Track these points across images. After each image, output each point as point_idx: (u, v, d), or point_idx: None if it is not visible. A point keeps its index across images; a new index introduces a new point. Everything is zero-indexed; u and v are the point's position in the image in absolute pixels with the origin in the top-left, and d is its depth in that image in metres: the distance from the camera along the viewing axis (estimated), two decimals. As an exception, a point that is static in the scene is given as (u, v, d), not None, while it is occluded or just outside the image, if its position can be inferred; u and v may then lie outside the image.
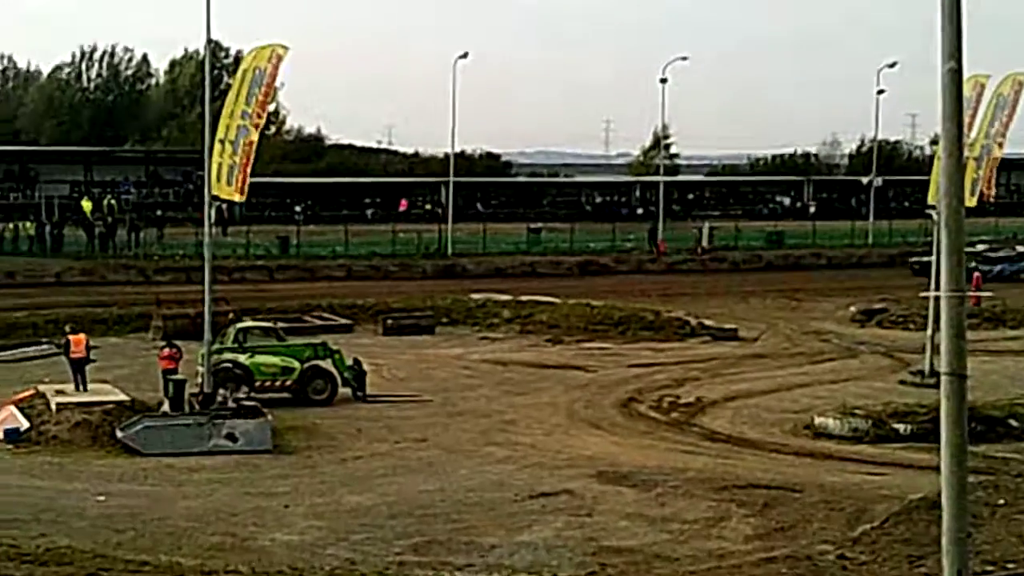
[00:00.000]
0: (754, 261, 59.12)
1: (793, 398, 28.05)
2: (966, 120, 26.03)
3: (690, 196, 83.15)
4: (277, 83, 27.23)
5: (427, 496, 18.93)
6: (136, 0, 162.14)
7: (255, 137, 24.84)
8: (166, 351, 27.17)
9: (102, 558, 14.94)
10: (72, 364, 26.14)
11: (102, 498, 18.59)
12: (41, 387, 25.68)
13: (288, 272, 50.75)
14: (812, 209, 77.89)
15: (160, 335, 33.07)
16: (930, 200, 28.88)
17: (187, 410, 24.06)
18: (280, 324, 32.10)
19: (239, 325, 29.03)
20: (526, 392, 28.85)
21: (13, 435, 22.88)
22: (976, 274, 42.25)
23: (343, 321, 38.22)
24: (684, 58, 63.24)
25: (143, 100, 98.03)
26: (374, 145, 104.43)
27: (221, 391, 24.96)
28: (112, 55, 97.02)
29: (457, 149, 64.58)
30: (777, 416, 26.01)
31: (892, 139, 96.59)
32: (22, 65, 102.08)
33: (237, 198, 25.77)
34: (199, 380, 25.67)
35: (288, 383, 27.55)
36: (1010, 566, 13.63)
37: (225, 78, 67.51)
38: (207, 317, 25.39)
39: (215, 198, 25.50)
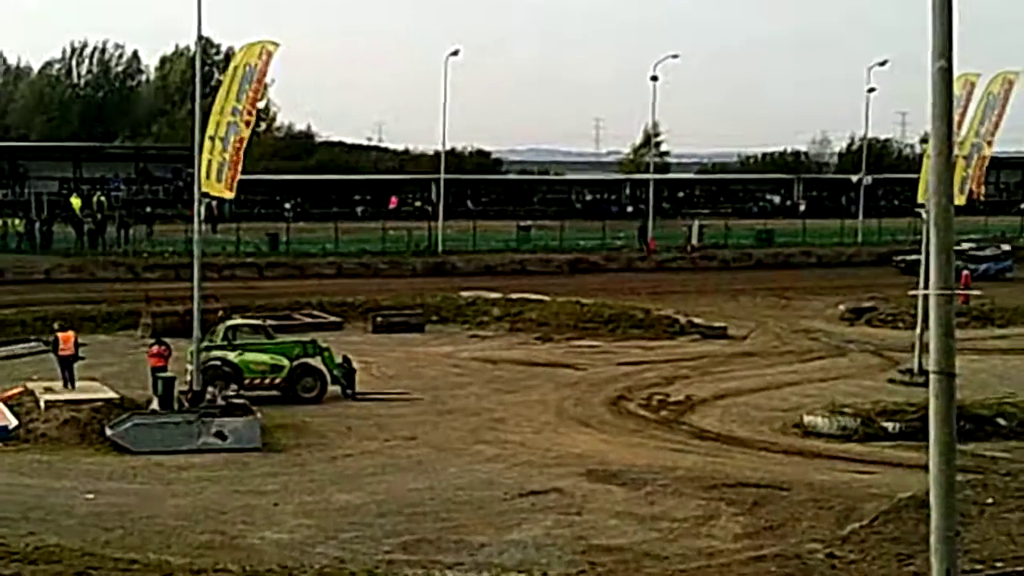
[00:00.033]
0: (744, 259, 59.21)
1: (782, 396, 28.10)
2: (956, 119, 26.15)
3: (680, 194, 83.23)
4: (267, 80, 27.24)
5: (417, 494, 18.91)
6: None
7: (245, 134, 24.82)
8: (155, 348, 27.12)
9: (91, 556, 14.87)
10: (60, 361, 26.09)
11: (91, 496, 18.54)
12: (30, 384, 25.62)
13: (278, 269, 50.67)
14: (802, 207, 78.05)
15: (149, 332, 33.00)
16: (920, 199, 28.91)
17: (176, 408, 24.02)
18: (269, 322, 32.06)
19: (228, 323, 29.00)
20: (516, 390, 28.85)
21: (1, 433, 22.81)
22: (965, 273, 42.36)
23: (333, 319, 38.18)
24: (675, 56, 63.23)
25: (133, 97, 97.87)
26: (364, 142, 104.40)
27: (210, 389, 24.94)
28: (103, 51, 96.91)
29: (447, 146, 64.55)
30: (766, 414, 26.05)
31: (882, 137, 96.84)
32: (12, 61, 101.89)
33: (227, 195, 25.76)
34: (188, 378, 25.64)
35: (277, 381, 27.52)
36: (999, 565, 13.66)
37: (216, 75, 67.32)
38: (196, 314, 25.35)
39: (205, 195, 25.47)
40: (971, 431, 21.96)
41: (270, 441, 23.07)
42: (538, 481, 19.76)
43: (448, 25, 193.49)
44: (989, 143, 31.68)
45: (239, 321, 29.86)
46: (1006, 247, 54.38)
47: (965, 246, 50.15)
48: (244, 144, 24.83)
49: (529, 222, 63.11)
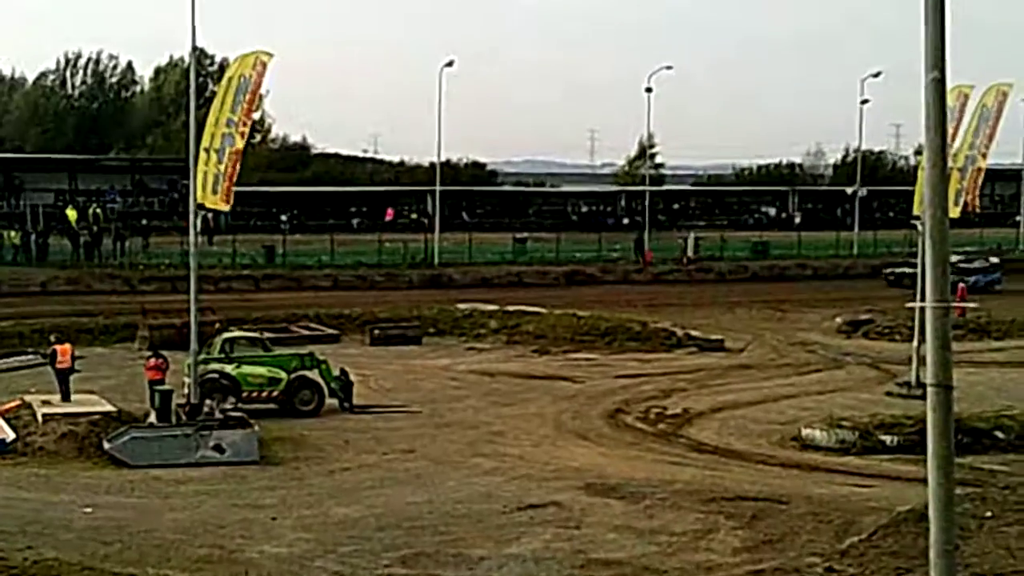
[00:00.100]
0: (740, 271, 59.29)
1: (780, 409, 28.08)
2: (950, 130, 26.21)
3: (675, 206, 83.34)
4: (262, 91, 27.28)
5: (415, 508, 18.89)
6: (121, 7, 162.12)
7: (240, 145, 24.84)
8: (152, 361, 27.09)
9: (89, 570, 14.85)
10: (58, 374, 26.06)
11: (89, 510, 18.50)
12: (27, 398, 25.57)
13: (274, 282, 50.66)
14: (797, 219, 78.21)
15: (146, 345, 32.96)
16: (915, 211, 29.01)
17: (174, 421, 23.97)
18: (267, 334, 32.07)
19: (225, 335, 28.95)
20: (513, 403, 28.84)
21: (-1, 446, 22.78)
22: (961, 285, 42.42)
23: (330, 331, 38.17)
24: (669, 67, 63.44)
25: (128, 108, 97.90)
26: (360, 154, 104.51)
27: (208, 402, 24.91)
28: (97, 62, 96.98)
29: (443, 158, 64.69)
30: (764, 427, 26.04)
31: (876, 149, 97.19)
32: (6, 72, 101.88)
33: (223, 207, 25.78)
34: (185, 391, 25.61)
35: (275, 394, 27.48)
36: (997, 578, 13.68)
37: (210, 86, 67.61)
38: (193, 327, 25.34)
39: (201, 207, 25.45)
40: (969, 444, 21.92)
41: (268, 454, 23.03)
42: (536, 494, 19.73)
43: (443, 36, 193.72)
44: (984, 155, 31.74)
45: (236, 334, 29.82)
46: (995, 260, 54.44)
47: (954, 259, 50.19)
48: (239, 155, 24.85)
49: (525, 234, 63.20)
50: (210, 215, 40.73)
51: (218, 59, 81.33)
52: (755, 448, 24.20)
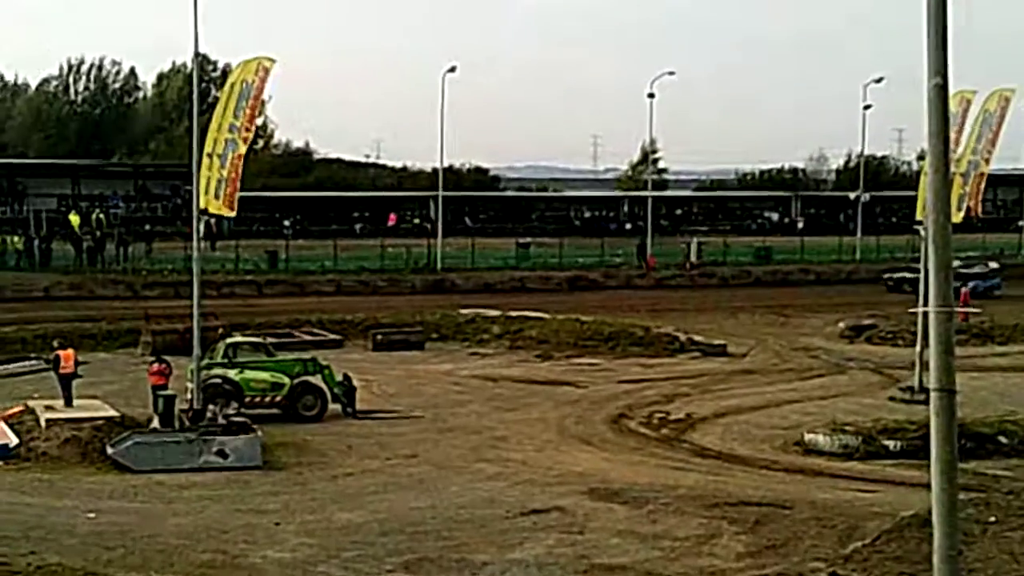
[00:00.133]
0: (743, 277, 59.29)
1: (783, 414, 28.06)
2: (952, 136, 26.20)
3: (678, 211, 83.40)
4: (264, 96, 27.26)
5: (418, 513, 18.90)
6: (124, 13, 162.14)
7: (243, 151, 24.83)
8: (155, 367, 27.09)
9: (92, 575, 14.89)
10: (61, 379, 26.07)
11: (92, 515, 18.51)
12: (30, 403, 25.60)
13: (277, 287, 50.70)
14: (800, 225, 78.19)
15: (149, 350, 33.00)
16: (917, 216, 28.99)
17: (177, 426, 23.99)
18: (269, 339, 32.05)
19: (228, 340, 28.99)
20: (516, 408, 28.84)
21: (2, 451, 22.78)
22: (964, 291, 42.39)
23: (333, 336, 38.20)
24: (671, 73, 63.51)
25: (131, 113, 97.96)
26: (362, 159, 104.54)
27: (211, 407, 24.92)
28: (100, 68, 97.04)
29: (446, 163, 64.74)
30: (767, 432, 26.02)
31: (879, 154, 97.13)
32: (9, 78, 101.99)
33: (226, 212, 25.75)
34: (188, 396, 25.61)
35: (278, 399, 27.50)
36: (1001, 583, 13.67)
37: (213, 91, 67.58)
38: (196, 332, 25.32)
39: (204, 212, 25.47)
40: (972, 449, 21.90)
41: (271, 459, 23.04)
42: (540, 499, 19.74)
43: (445, 42, 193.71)
44: (986, 160, 31.72)
45: (239, 339, 29.86)
46: (994, 264, 54.36)
47: (953, 264, 49.99)
48: (242, 161, 24.86)
49: (528, 239, 63.26)
50: (213, 220, 41.07)
51: (221, 65, 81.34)
52: (758, 453, 24.19)
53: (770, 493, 20.05)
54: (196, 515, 18.85)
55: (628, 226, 75.61)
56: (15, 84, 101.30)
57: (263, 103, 34.39)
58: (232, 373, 27.29)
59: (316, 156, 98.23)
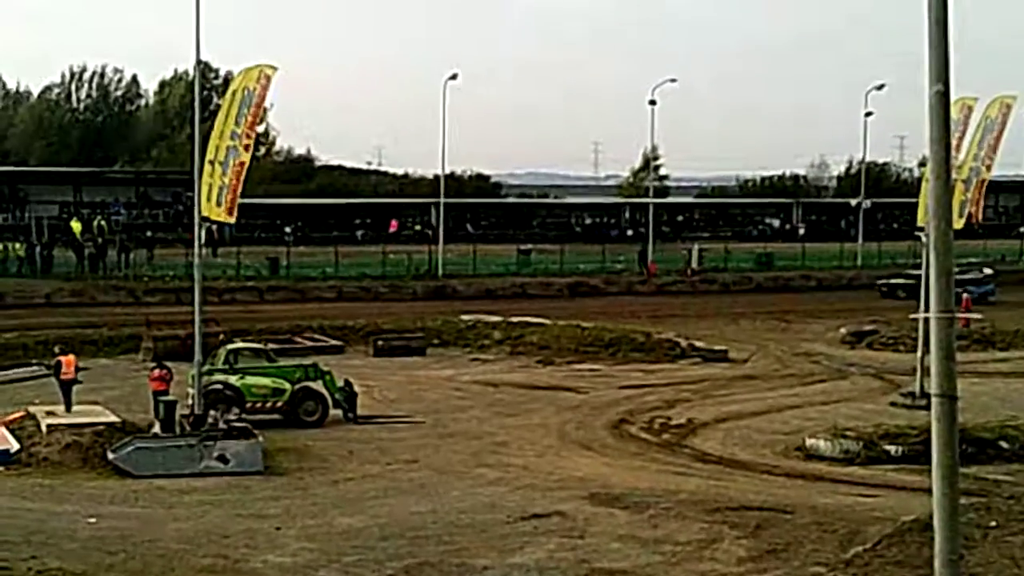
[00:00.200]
0: (744, 283, 59.34)
1: (784, 419, 28.06)
2: (954, 142, 26.23)
3: (679, 218, 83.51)
4: (266, 103, 27.30)
5: (419, 518, 18.89)
6: (126, 22, 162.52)
7: (245, 158, 24.86)
8: (156, 372, 27.10)
9: (93, 580, 14.91)
10: (62, 385, 26.09)
11: (93, 520, 18.52)
12: (31, 408, 25.60)
13: (278, 293, 50.73)
14: (801, 231, 78.27)
15: (150, 356, 32.97)
16: (919, 222, 28.96)
17: (178, 432, 24.00)
18: (270, 345, 32.12)
19: (229, 346, 29.01)
20: (517, 413, 28.84)
21: (3, 457, 22.78)
22: (965, 296, 42.39)
23: (334, 342, 38.18)
24: (673, 80, 63.58)
25: (133, 121, 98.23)
26: (364, 166, 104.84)
27: (212, 412, 24.90)
28: (102, 76, 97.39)
29: (447, 170, 64.79)
30: (768, 437, 26.02)
31: (880, 161, 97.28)
32: (11, 86, 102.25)
33: (227, 219, 25.80)
34: (190, 401, 25.61)
35: (279, 404, 27.49)
36: (1002, 588, 13.66)
37: (215, 99, 67.65)
38: (197, 338, 25.35)
39: (205, 219, 25.51)
40: (974, 454, 21.91)
41: (272, 465, 23.03)
42: (541, 504, 19.74)
43: (446, 49, 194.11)
44: (988, 167, 31.72)
45: (240, 345, 29.89)
46: (988, 271, 54.32)
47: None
48: (244, 168, 24.88)
49: (529, 246, 63.28)
50: (214, 227, 41.15)
51: (223, 72, 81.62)
52: (759, 458, 24.18)
53: (771, 498, 20.04)
54: (197, 520, 18.85)
55: (629, 232, 75.69)
56: (17, 92, 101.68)
57: (265, 110, 34.51)
58: (233, 379, 27.30)
59: (318, 163, 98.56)
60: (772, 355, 38.23)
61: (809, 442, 24.59)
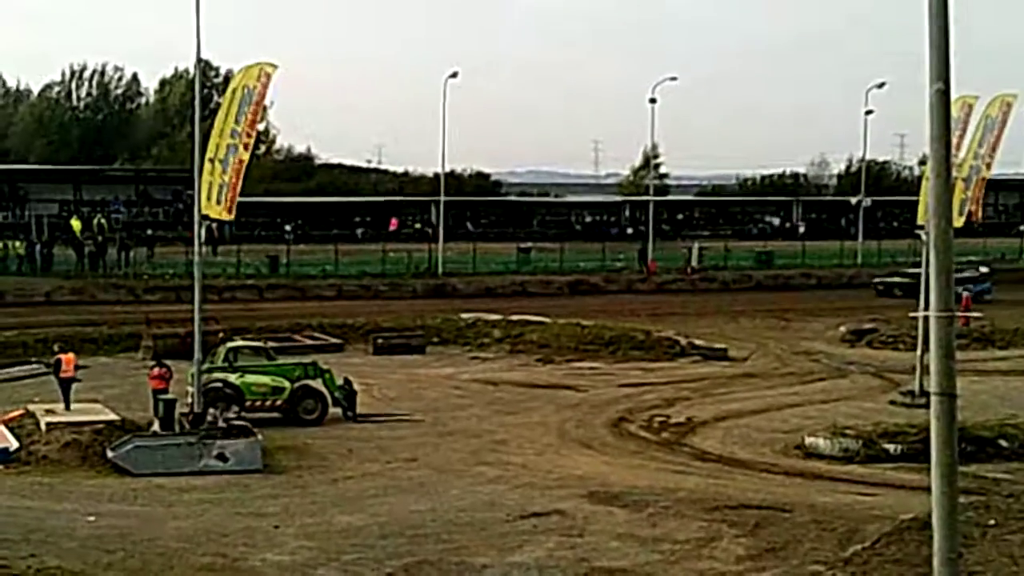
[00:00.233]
0: (744, 281, 59.35)
1: (783, 418, 28.06)
2: (954, 141, 26.24)
3: (680, 216, 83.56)
4: (266, 102, 27.29)
5: (418, 516, 18.88)
6: (126, 20, 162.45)
7: (245, 156, 24.85)
8: (156, 371, 27.08)
9: (92, 579, 14.90)
10: (62, 383, 26.09)
11: (92, 518, 18.52)
12: (31, 407, 25.60)
13: (278, 291, 50.71)
14: (801, 229, 78.28)
15: (150, 355, 32.97)
16: (919, 220, 28.96)
17: (177, 430, 24.00)
18: (270, 343, 32.11)
19: (229, 344, 29.01)
20: (517, 412, 28.84)
21: (3, 455, 22.78)
22: (965, 295, 42.39)
23: (333, 340, 38.17)
24: (673, 79, 63.55)
25: (133, 119, 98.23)
26: (364, 164, 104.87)
27: (211, 411, 24.91)
28: (102, 74, 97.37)
29: (447, 168, 64.77)
30: (768, 436, 26.02)
31: (880, 159, 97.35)
32: (12, 84, 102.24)
33: (227, 217, 25.79)
34: (189, 400, 25.60)
35: (278, 403, 27.49)
36: (1001, 586, 13.66)
37: (215, 97, 67.65)
38: (197, 336, 25.34)
39: (205, 217, 25.50)
40: (973, 452, 21.91)
41: (271, 463, 23.03)
42: (540, 503, 19.73)
43: (446, 47, 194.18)
44: (988, 165, 31.72)
45: (240, 343, 29.88)
46: (984, 269, 54.28)
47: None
48: (244, 166, 24.86)
49: (529, 244, 63.31)
50: (214, 225, 41.12)
51: (223, 70, 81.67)
52: (759, 457, 24.18)
53: (770, 496, 20.04)
54: (196, 518, 18.84)
55: (629, 231, 75.71)
56: (18, 90, 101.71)
57: (265, 108, 34.49)
58: (233, 377, 27.29)
59: (318, 161, 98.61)
60: (772, 353, 38.23)
61: (808, 440, 24.59)
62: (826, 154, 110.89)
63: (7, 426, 24.12)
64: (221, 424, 23.86)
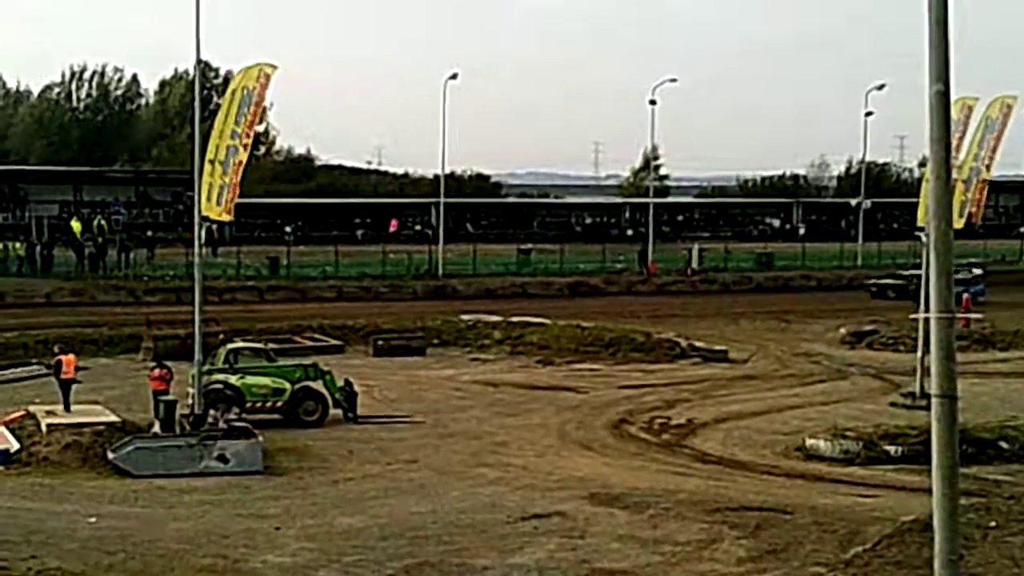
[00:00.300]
0: (744, 283, 59.34)
1: (784, 420, 28.05)
2: (954, 142, 26.22)
3: (680, 217, 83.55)
4: (266, 102, 27.32)
5: (419, 518, 18.89)
6: (126, 21, 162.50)
7: (244, 156, 24.87)
8: (156, 372, 27.09)
9: (92, 580, 14.90)
10: (62, 385, 26.09)
11: (93, 520, 18.52)
12: (31, 408, 25.60)
13: (278, 293, 50.71)
14: (801, 231, 78.28)
15: (150, 356, 32.96)
16: (919, 222, 28.96)
17: (178, 431, 24.00)
18: (270, 345, 32.08)
19: (230, 346, 28.99)
20: (517, 413, 28.83)
21: (3, 457, 22.77)
22: (966, 296, 42.38)
23: (334, 342, 38.17)
24: (673, 80, 63.57)
25: (133, 120, 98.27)
26: (364, 166, 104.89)
27: (212, 412, 24.90)
28: (102, 75, 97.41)
29: (447, 170, 64.80)
30: (768, 438, 26.01)
31: (880, 161, 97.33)
32: (11, 85, 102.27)
33: (226, 218, 25.80)
34: (190, 401, 25.61)
35: (279, 404, 27.48)
36: (1001, 588, 13.66)
37: (215, 98, 67.70)
38: (197, 338, 25.35)
39: (205, 218, 25.49)
40: (974, 454, 21.90)
41: (272, 464, 23.03)
42: (541, 504, 19.74)
43: (446, 49, 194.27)
44: (988, 167, 31.73)
45: (240, 344, 29.87)
46: (978, 271, 54.24)
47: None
48: (243, 167, 24.90)
49: (529, 245, 63.28)
50: (215, 227, 41.14)
51: (223, 72, 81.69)
52: (759, 458, 24.18)
53: (771, 498, 20.05)
54: (197, 520, 18.85)
55: (629, 232, 75.70)
56: (18, 91, 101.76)
57: (264, 109, 34.54)
58: (233, 378, 27.29)
59: (318, 163, 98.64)
60: (772, 355, 38.22)
61: (809, 442, 24.58)
62: (826, 156, 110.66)
63: (8, 427, 24.12)
64: (222, 425, 23.85)
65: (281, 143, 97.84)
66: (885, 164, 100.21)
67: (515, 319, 41.12)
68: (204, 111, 29.12)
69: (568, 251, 61.67)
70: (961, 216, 29.44)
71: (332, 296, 50.76)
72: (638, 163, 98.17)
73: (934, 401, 8.05)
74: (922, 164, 65.44)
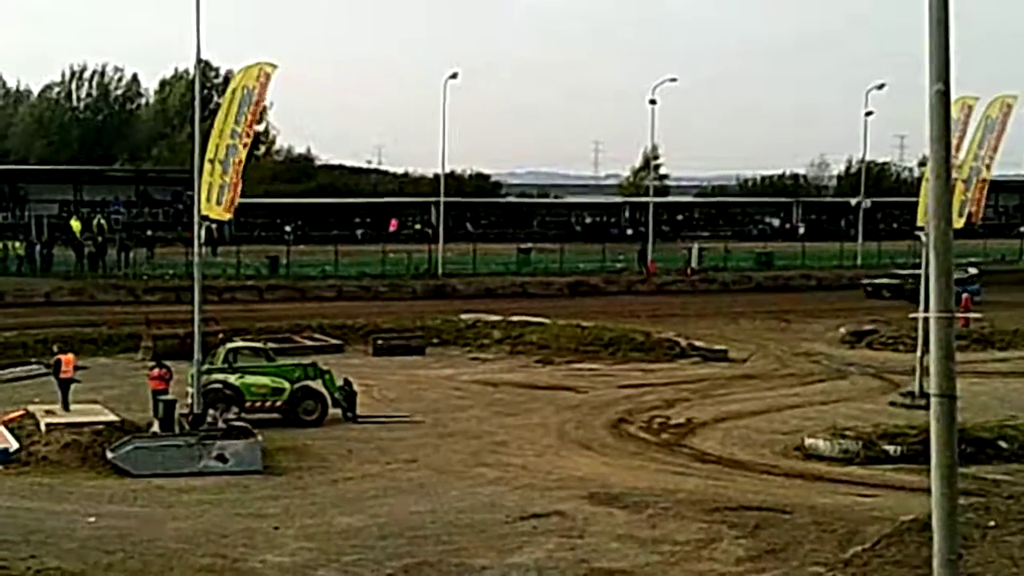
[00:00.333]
0: (744, 282, 59.31)
1: (783, 419, 28.04)
2: (954, 142, 26.21)
3: (679, 217, 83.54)
4: (266, 102, 27.31)
5: (418, 517, 18.88)
6: (126, 21, 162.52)
7: (244, 156, 24.87)
8: (156, 371, 27.09)
9: (91, 580, 14.89)
10: (61, 384, 26.09)
11: (92, 519, 18.52)
12: (31, 407, 25.60)
13: (278, 292, 50.69)
14: (801, 230, 78.25)
15: (150, 355, 32.97)
16: (919, 222, 28.95)
17: (177, 431, 23.99)
18: (270, 344, 32.08)
19: (229, 345, 29.00)
20: (517, 413, 28.82)
21: (2, 456, 22.77)
22: (965, 296, 42.36)
23: (333, 341, 38.15)
24: (673, 80, 63.56)
25: (133, 120, 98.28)
26: (364, 165, 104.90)
27: (211, 412, 24.90)
28: (102, 75, 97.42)
29: (447, 169, 64.77)
30: (767, 437, 26.01)
31: (880, 160, 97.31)
32: (12, 84, 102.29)
33: (226, 217, 25.80)
34: (189, 401, 25.60)
35: (278, 404, 27.48)
36: (1001, 588, 13.65)
37: (215, 98, 67.68)
38: (197, 337, 25.34)
39: (205, 218, 25.49)
40: (973, 454, 21.89)
41: (271, 464, 23.03)
42: (540, 504, 19.73)
43: (446, 48, 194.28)
44: (988, 166, 31.71)
45: (240, 344, 29.87)
46: (973, 270, 54.19)
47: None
48: (243, 166, 24.90)
49: (529, 245, 63.27)
50: (214, 226, 41.11)
51: (223, 71, 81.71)
52: (759, 458, 24.17)
53: (770, 498, 20.04)
54: (196, 519, 18.84)
55: (629, 232, 75.68)
56: (18, 90, 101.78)
57: (264, 109, 34.54)
58: (233, 378, 27.28)
59: (318, 162, 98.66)
60: (772, 355, 38.22)
61: (808, 442, 24.58)
62: (826, 155, 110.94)
63: (7, 427, 24.11)
64: (221, 425, 23.85)
65: (281, 143, 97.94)
66: (885, 164, 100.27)
67: (515, 318, 41.11)
68: (204, 111, 29.12)
69: (568, 251, 61.65)
70: (961, 216, 29.42)
71: (332, 295, 50.74)
72: (638, 163, 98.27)
73: (933, 400, 8.04)
74: (922, 163, 65.39)
